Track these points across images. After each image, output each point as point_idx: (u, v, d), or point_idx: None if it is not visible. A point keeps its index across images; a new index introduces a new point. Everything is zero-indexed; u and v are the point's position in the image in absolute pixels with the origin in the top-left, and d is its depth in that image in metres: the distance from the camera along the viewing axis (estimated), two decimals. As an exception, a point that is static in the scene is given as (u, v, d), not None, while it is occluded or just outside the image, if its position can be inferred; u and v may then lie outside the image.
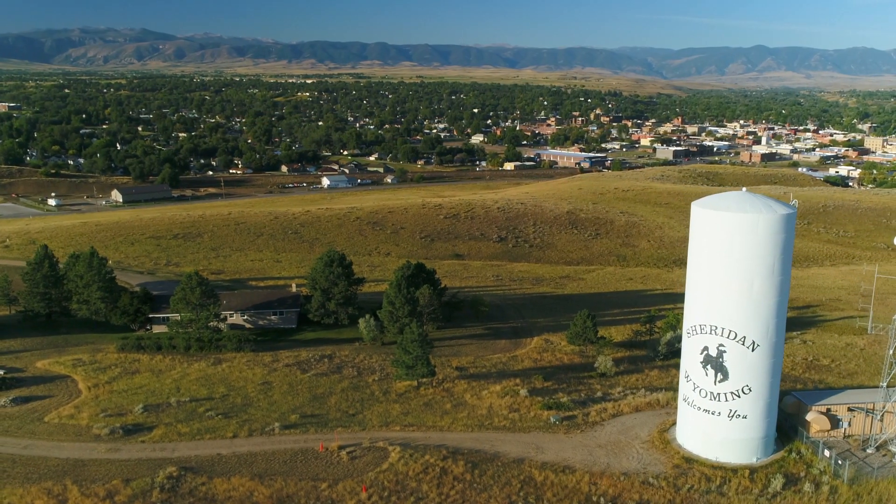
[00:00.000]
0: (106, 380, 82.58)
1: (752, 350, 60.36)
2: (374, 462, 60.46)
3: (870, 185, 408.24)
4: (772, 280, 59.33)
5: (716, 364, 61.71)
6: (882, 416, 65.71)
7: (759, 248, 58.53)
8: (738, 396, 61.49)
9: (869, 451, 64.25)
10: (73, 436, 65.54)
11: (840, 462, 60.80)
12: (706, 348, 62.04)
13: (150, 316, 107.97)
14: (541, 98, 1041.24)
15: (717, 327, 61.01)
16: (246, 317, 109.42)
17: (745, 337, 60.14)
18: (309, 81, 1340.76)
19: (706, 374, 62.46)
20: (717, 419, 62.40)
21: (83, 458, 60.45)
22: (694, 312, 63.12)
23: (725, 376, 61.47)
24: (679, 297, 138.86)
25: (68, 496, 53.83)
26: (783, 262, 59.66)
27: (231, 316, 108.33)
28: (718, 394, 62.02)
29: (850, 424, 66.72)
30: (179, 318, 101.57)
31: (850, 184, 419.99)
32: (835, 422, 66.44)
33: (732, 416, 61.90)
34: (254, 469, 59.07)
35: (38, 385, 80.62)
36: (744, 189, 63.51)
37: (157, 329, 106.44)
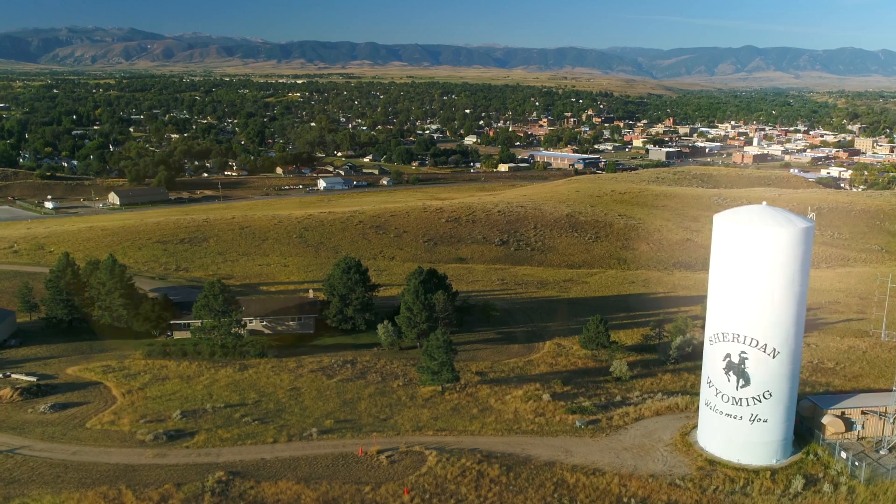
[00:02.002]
0: (138, 386, 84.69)
1: (773, 357, 63.28)
2: (413, 466, 62.96)
3: (861, 186, 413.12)
4: (792, 290, 62.27)
5: (738, 370, 64.61)
6: (894, 419, 68.79)
7: (781, 260, 61.43)
8: (760, 401, 64.41)
9: (882, 452, 67.31)
10: (119, 442, 67.68)
11: (857, 463, 63.80)
12: (728, 355, 64.93)
13: (172, 322, 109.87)
14: (532, 98, 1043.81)
15: (739, 335, 63.91)
16: (265, 323, 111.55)
17: (766, 344, 63.06)
18: (299, 81, 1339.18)
19: (728, 380, 65.35)
20: (738, 423, 65.29)
21: (133, 464, 62.63)
22: (716, 321, 65.97)
23: (747, 382, 64.38)
24: (681, 301, 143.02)
25: (124, 500, 56.02)
26: (802, 273, 62.59)
27: (250, 322, 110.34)
28: (740, 399, 64.92)
29: (863, 427, 69.78)
30: (201, 324, 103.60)
31: (842, 185, 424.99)
32: (849, 425, 69.45)
33: (754, 420, 64.82)
34: (298, 473, 61.44)
35: (73, 392, 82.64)
36: (764, 203, 66.30)
37: (179, 335, 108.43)
